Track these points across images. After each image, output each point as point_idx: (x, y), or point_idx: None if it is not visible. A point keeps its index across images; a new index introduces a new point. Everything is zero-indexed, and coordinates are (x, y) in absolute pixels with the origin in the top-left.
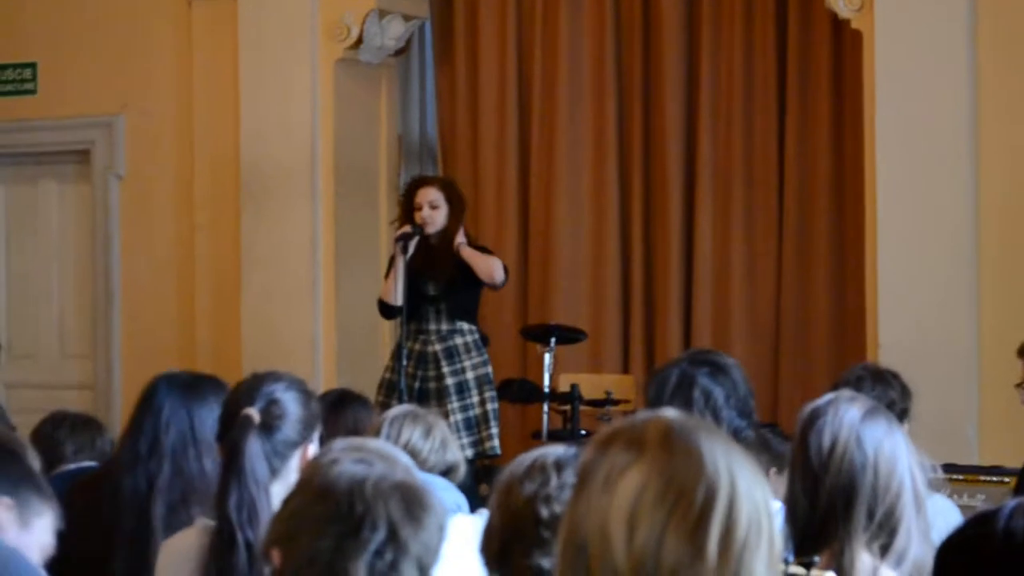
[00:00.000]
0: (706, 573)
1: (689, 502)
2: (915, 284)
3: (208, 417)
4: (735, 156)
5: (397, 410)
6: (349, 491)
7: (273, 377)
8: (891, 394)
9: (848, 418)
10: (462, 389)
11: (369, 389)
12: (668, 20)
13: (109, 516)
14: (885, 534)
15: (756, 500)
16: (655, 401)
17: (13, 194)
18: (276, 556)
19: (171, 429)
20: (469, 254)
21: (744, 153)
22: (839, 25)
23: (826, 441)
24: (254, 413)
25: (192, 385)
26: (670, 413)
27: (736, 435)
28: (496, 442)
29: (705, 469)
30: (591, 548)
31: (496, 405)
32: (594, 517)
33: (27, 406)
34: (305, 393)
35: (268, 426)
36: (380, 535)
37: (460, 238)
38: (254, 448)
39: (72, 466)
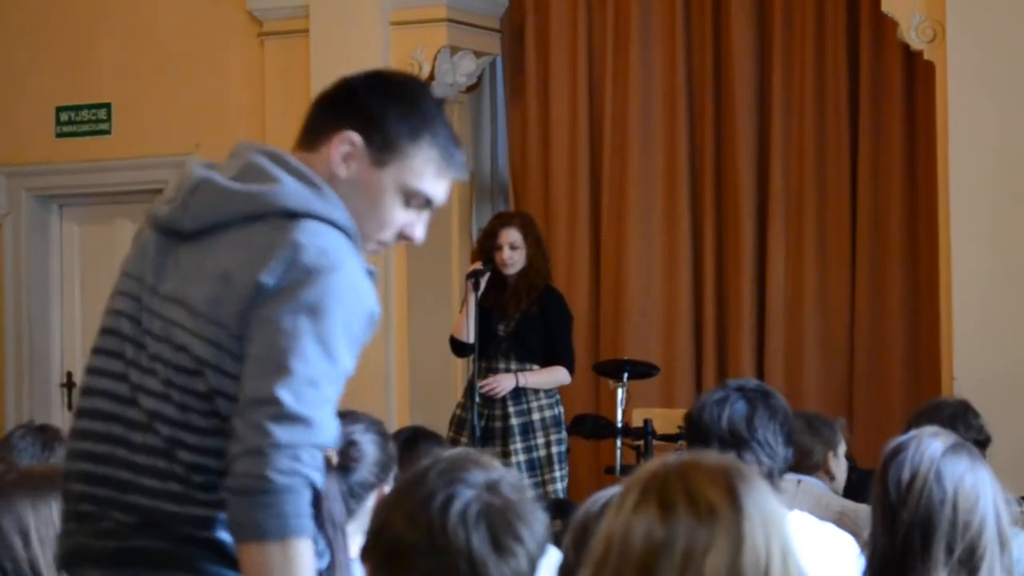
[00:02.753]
0: None
1: (767, 561)
2: (991, 316)
3: None
4: (807, 187)
5: (449, 454)
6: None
7: (352, 418)
8: (978, 424)
9: (929, 452)
10: (527, 430)
11: (442, 427)
12: (739, 52)
13: None
14: (966, 571)
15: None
16: (700, 430)
17: (89, 234)
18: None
19: None
20: (534, 380)
21: (816, 184)
22: (911, 56)
23: (905, 475)
24: (332, 454)
25: None
26: (716, 462)
27: (784, 463)
28: (560, 485)
29: (773, 527)
30: None
31: (564, 448)
32: None
33: None
34: (383, 435)
35: (345, 467)
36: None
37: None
38: (332, 489)
39: None
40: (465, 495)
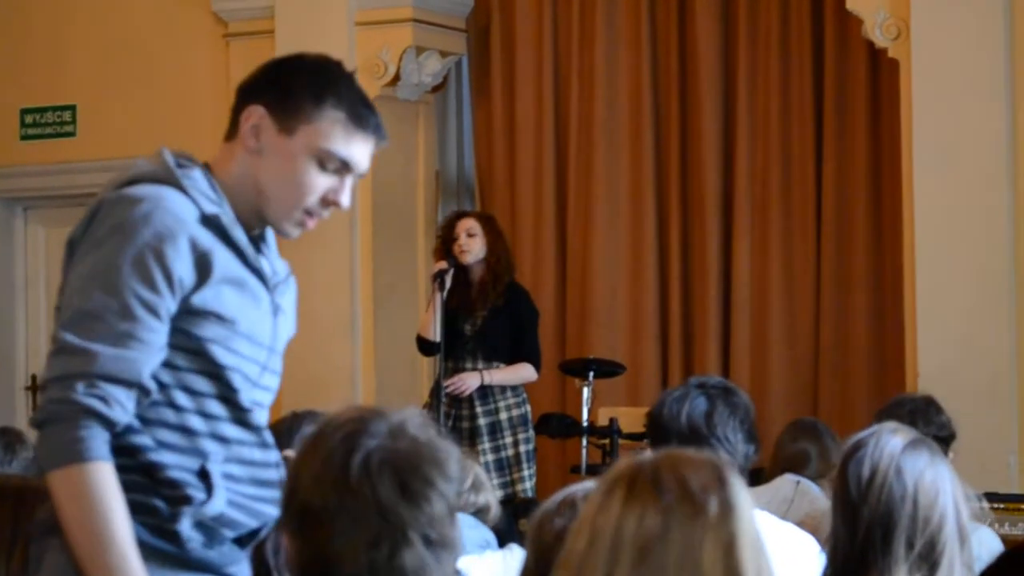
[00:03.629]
0: None
1: (757, 553)
2: (954, 311)
3: None
4: (772, 184)
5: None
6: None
7: (312, 417)
8: (940, 421)
9: (889, 448)
10: (494, 429)
11: None
12: (704, 51)
13: None
14: (927, 566)
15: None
16: (660, 427)
17: (53, 236)
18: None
19: None
20: (500, 377)
21: (782, 181)
22: (876, 53)
23: (865, 471)
24: (292, 455)
25: None
26: (701, 455)
27: (745, 459)
28: (528, 484)
29: (753, 519)
30: None
31: (531, 446)
32: None
33: None
34: None
35: None
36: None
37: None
38: None
39: None
40: (366, 445)
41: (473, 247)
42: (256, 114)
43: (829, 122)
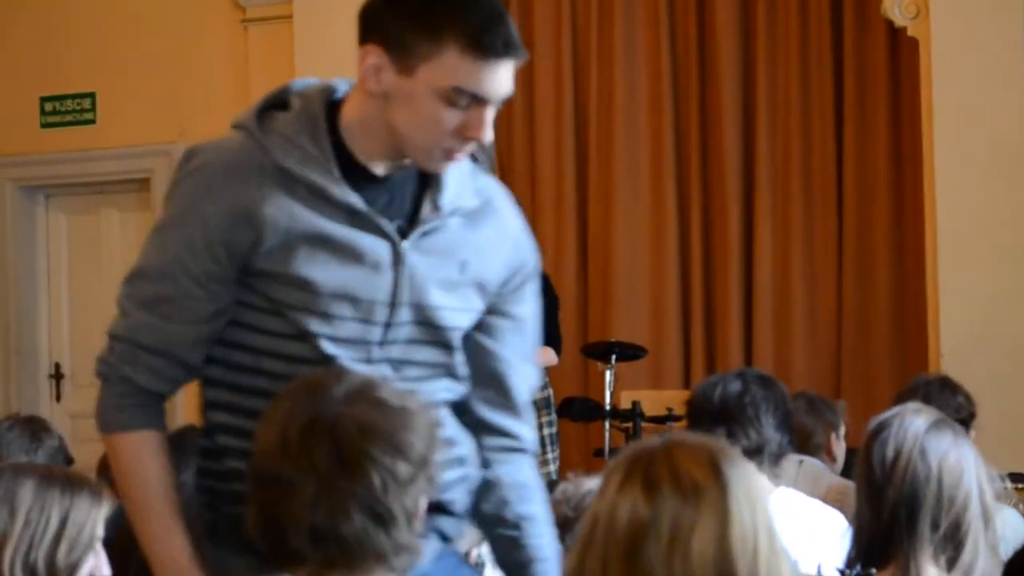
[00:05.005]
0: None
1: (754, 538)
2: (975, 291)
3: None
4: (793, 165)
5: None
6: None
7: None
8: (956, 403)
9: (913, 429)
10: None
11: None
12: (723, 31)
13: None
14: (951, 547)
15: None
16: (694, 408)
17: (75, 223)
18: None
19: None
20: None
21: (802, 162)
22: (895, 33)
23: (889, 452)
24: None
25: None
26: (699, 441)
27: (778, 447)
28: (552, 467)
29: (759, 505)
30: None
31: (554, 430)
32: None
33: (92, 435)
34: None
35: None
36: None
37: None
38: None
39: None
40: (313, 411)
41: None
42: (373, 54)
43: (849, 101)
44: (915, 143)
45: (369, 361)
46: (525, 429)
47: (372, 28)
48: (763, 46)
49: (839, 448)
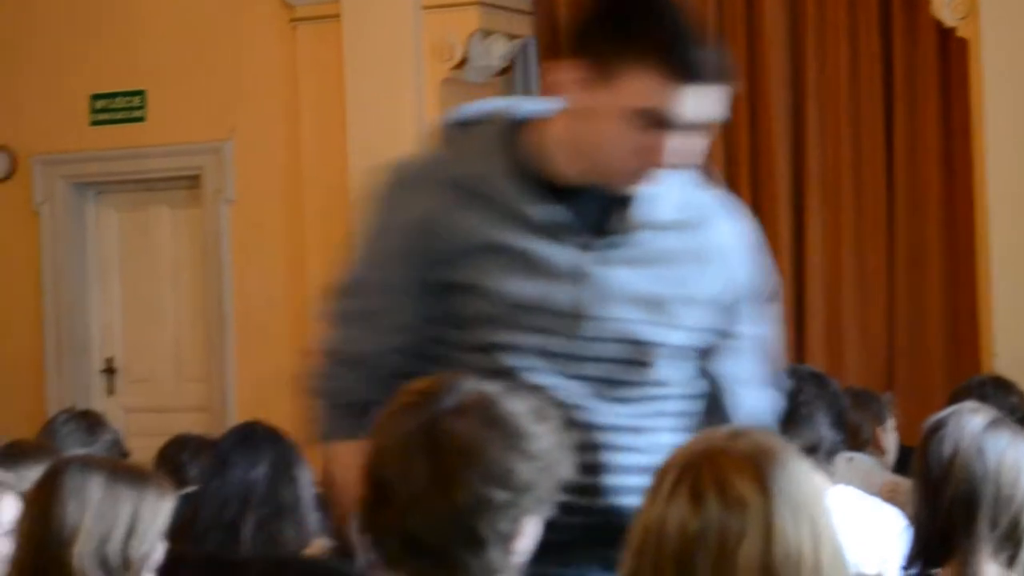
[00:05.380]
0: None
1: (798, 548)
2: None
3: (295, 457)
4: (844, 168)
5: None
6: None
7: None
8: (1011, 402)
9: (970, 428)
10: None
11: None
12: (772, 34)
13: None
14: (1011, 545)
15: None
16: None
17: (126, 220)
18: None
19: (264, 461)
20: None
21: (852, 164)
22: (945, 34)
23: (946, 451)
24: None
25: (273, 432)
26: (747, 447)
27: (832, 445)
28: None
29: (802, 501)
30: None
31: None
32: None
33: (144, 430)
34: None
35: None
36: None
37: None
38: None
39: (194, 489)
40: (415, 423)
41: None
42: (568, 68)
43: (899, 103)
44: (966, 144)
45: (563, 375)
46: None
47: (572, 41)
48: (812, 48)
49: (887, 440)
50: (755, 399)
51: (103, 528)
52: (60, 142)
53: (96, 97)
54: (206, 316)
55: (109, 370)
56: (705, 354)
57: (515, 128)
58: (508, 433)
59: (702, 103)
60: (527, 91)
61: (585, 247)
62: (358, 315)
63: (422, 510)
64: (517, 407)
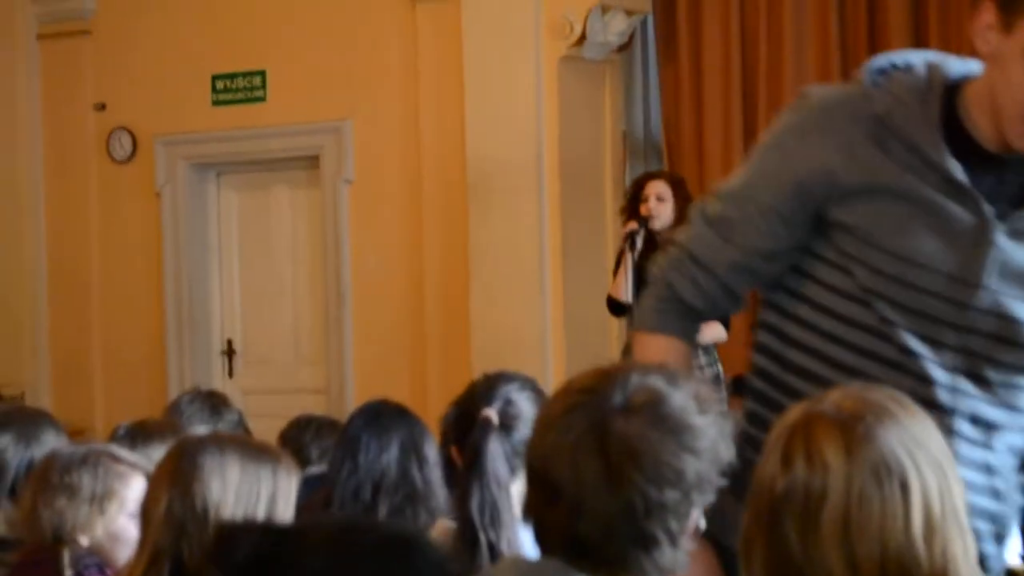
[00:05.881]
0: (921, 561)
1: (887, 499)
2: None
3: (424, 435)
4: None
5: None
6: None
7: (506, 378)
8: None
9: None
10: None
11: None
12: (894, 7)
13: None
14: None
15: (941, 478)
16: None
17: (246, 200)
18: None
19: (394, 442)
20: None
21: None
22: None
23: None
24: (493, 414)
25: (401, 411)
26: (846, 410)
27: None
28: None
29: (890, 464)
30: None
31: (723, 407)
32: (811, 548)
33: (263, 411)
34: (538, 392)
35: (506, 426)
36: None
37: None
38: (495, 449)
39: (316, 469)
40: (585, 423)
41: (662, 212)
42: (986, 11)
43: None
44: None
45: (939, 343)
46: None
47: None
48: (935, 23)
49: None
50: None
51: (245, 506)
52: (181, 123)
53: (217, 78)
54: (325, 297)
55: (229, 351)
56: None
57: (948, 85)
58: (677, 431)
59: None
60: (646, 68)
61: (1000, 216)
62: (723, 221)
63: (592, 511)
64: (682, 401)
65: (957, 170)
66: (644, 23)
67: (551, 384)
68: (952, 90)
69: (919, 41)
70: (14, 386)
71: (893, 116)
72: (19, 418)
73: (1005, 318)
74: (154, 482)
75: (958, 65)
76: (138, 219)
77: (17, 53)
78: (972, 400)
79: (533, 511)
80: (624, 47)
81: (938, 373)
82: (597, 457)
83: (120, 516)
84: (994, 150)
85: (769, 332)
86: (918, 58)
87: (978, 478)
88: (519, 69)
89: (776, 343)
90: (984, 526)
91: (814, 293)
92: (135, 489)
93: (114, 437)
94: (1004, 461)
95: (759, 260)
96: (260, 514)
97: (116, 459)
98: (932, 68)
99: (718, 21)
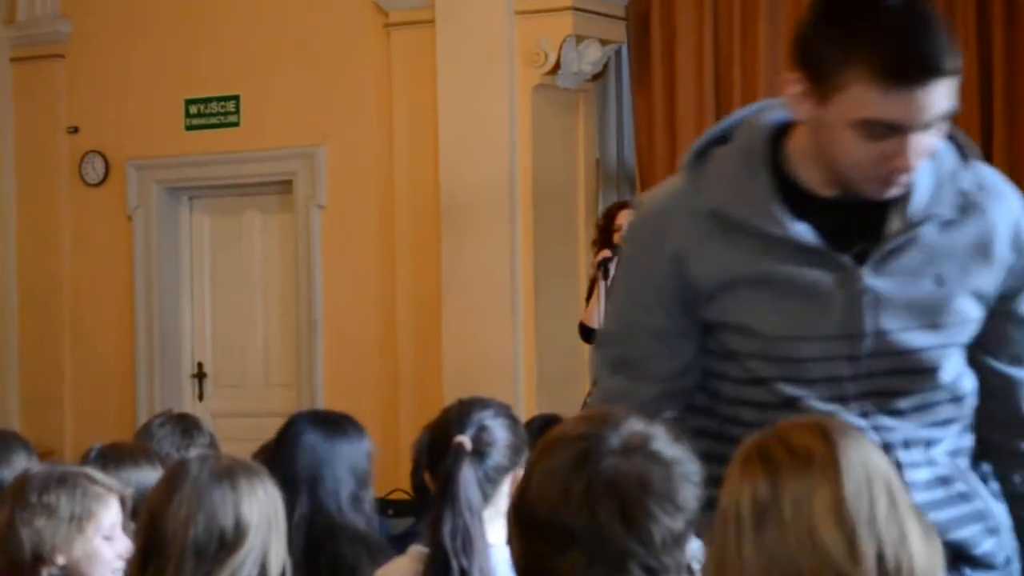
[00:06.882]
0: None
1: (871, 497)
2: None
3: (348, 451)
4: None
5: (586, 414)
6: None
7: (480, 404)
8: None
9: None
10: None
11: (570, 414)
12: None
13: None
14: None
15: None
16: None
17: (218, 225)
18: None
19: (305, 462)
20: None
21: None
22: None
23: None
24: (466, 441)
25: (331, 421)
26: (812, 418)
27: None
28: None
29: (875, 471)
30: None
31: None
32: (803, 542)
33: (234, 435)
34: (512, 419)
35: (479, 453)
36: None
37: None
38: (468, 475)
39: None
40: (594, 465)
41: None
42: (794, 81)
43: (998, 98)
44: None
45: (843, 398)
46: None
47: (795, 53)
48: None
49: None
50: None
51: (266, 528)
52: (154, 147)
53: (191, 102)
54: (296, 322)
55: (199, 375)
56: (990, 342)
57: (771, 136)
58: (672, 463)
59: (924, 102)
60: (619, 97)
61: (859, 258)
62: (625, 363)
63: (612, 554)
64: (662, 435)
65: (805, 234)
66: (618, 53)
67: (523, 410)
68: (776, 139)
69: None
70: None
71: (728, 207)
72: None
73: (899, 352)
74: (177, 507)
75: (776, 114)
76: (110, 242)
77: None
78: (897, 432)
79: (540, 561)
80: (598, 76)
81: (854, 422)
82: (612, 498)
83: (96, 537)
84: (828, 195)
85: (704, 431)
86: (734, 120)
87: (939, 493)
88: (493, 96)
89: (712, 445)
90: (974, 527)
91: (721, 388)
92: (112, 511)
93: (87, 459)
94: (953, 466)
95: (670, 383)
96: (278, 535)
97: (92, 480)
98: (750, 127)
99: (691, 51)
